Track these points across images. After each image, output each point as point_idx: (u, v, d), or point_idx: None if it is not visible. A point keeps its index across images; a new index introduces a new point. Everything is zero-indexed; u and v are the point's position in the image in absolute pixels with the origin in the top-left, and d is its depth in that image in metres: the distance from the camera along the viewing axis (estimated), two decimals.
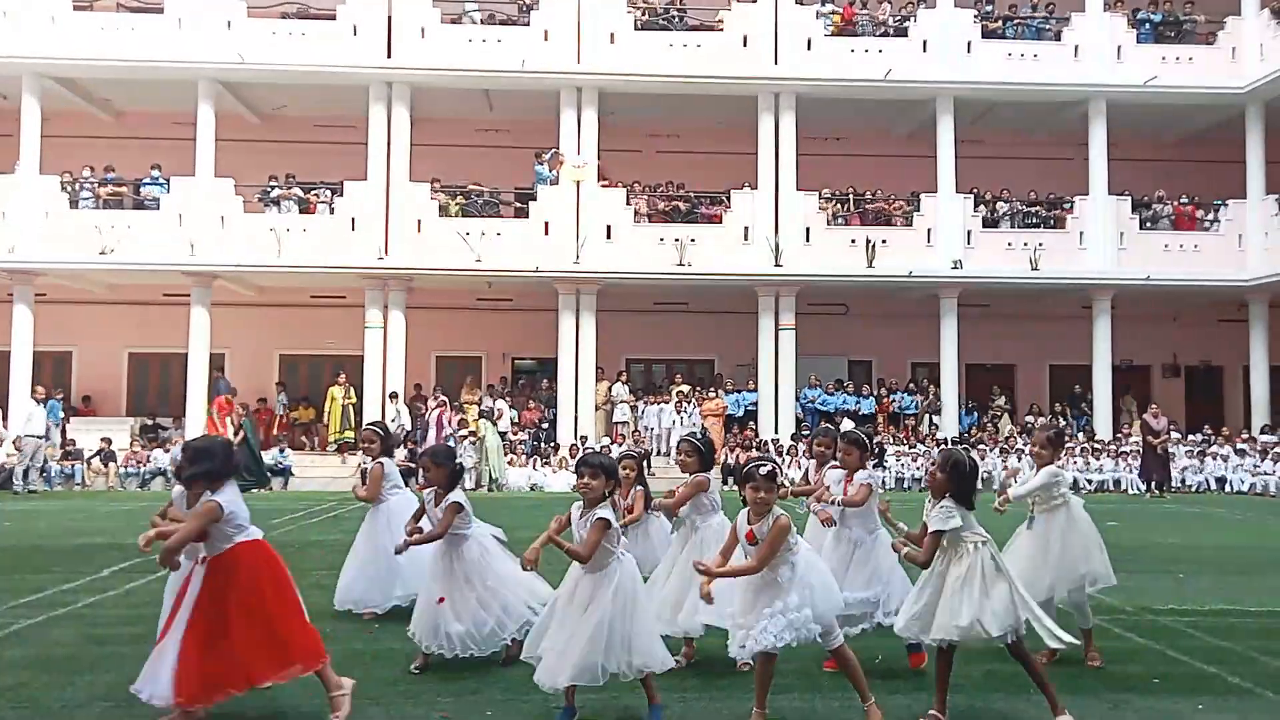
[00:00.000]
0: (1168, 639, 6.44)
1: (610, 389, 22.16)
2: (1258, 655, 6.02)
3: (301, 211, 21.46)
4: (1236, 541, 12.17)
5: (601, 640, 4.48)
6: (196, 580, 4.46)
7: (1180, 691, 5.25)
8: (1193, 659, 5.92)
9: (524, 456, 20.82)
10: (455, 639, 5.45)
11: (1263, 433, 21.79)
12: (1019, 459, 19.91)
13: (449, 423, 20.39)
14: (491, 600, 5.55)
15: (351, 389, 21.69)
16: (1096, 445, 21.46)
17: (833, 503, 5.72)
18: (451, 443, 18.31)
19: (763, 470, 4.63)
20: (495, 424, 20.54)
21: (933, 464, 4.76)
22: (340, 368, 22.42)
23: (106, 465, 19.89)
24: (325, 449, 22.04)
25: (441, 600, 5.53)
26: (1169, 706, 4.99)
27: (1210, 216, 22.82)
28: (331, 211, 21.29)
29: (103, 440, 20.11)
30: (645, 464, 7.06)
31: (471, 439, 19.92)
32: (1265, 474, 20.44)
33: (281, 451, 20.63)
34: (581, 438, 20.98)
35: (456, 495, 5.65)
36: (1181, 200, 23.04)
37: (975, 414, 23.52)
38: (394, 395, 21.11)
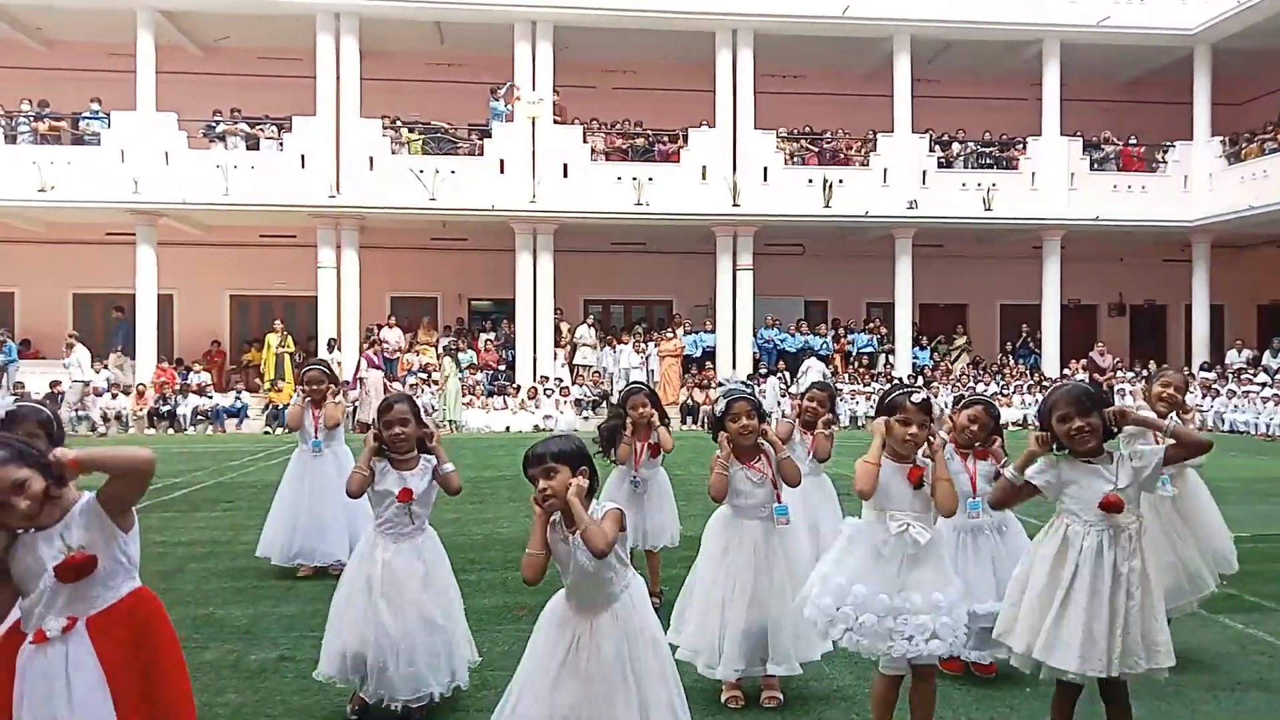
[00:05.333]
0: None
1: (574, 330, 22.10)
2: None
3: (249, 148, 20.87)
4: None
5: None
6: (75, 653, 2.58)
7: None
8: None
9: (482, 398, 20.76)
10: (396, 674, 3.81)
11: (1202, 369, 22.51)
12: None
13: (372, 364, 19.90)
14: (438, 638, 3.93)
15: (289, 336, 21.23)
16: (1045, 383, 21.99)
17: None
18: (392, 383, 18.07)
19: (915, 397, 3.45)
20: (457, 363, 20.40)
21: (1069, 408, 3.30)
22: (291, 309, 21.98)
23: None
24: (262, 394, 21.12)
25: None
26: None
27: (1158, 158, 23.23)
28: (280, 148, 20.72)
29: (51, 384, 19.61)
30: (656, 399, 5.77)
31: (429, 382, 19.78)
32: (1202, 410, 21.14)
33: (239, 395, 20.33)
34: (542, 378, 20.97)
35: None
36: (1130, 141, 23.41)
37: (930, 352, 23.88)
38: (333, 342, 20.56)
